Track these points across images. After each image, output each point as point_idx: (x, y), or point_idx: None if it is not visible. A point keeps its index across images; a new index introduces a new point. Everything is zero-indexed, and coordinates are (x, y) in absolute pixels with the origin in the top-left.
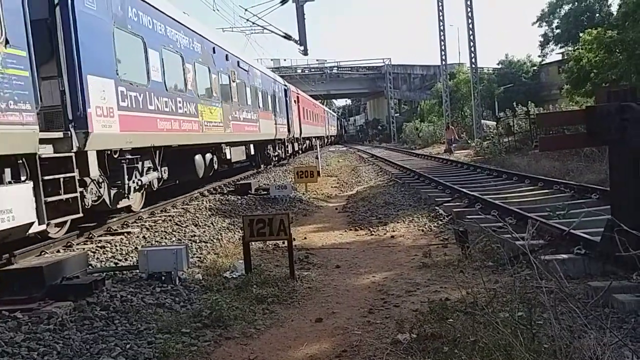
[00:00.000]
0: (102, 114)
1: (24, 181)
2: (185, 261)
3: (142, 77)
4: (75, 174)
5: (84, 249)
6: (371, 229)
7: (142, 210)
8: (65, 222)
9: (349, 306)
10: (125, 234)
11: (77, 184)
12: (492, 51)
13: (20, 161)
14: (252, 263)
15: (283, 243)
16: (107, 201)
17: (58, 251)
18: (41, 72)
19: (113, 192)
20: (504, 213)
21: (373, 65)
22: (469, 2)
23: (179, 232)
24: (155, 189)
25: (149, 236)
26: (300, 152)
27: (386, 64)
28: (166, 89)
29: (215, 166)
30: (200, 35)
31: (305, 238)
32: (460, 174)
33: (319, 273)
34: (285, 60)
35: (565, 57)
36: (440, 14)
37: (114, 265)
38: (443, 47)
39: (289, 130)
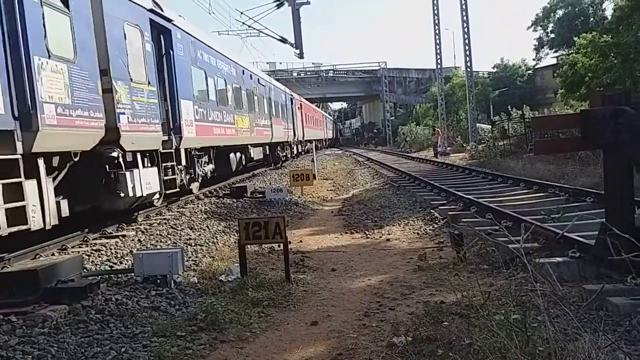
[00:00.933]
0: (187, 124)
1: (152, 166)
2: (180, 264)
3: (205, 97)
4: (174, 163)
5: (79, 252)
6: (367, 232)
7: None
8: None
9: (345, 309)
10: (121, 237)
11: (175, 170)
12: (487, 55)
13: (148, 155)
14: (247, 266)
15: (279, 246)
16: (185, 183)
17: (53, 254)
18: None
19: (187, 177)
20: (499, 216)
21: (369, 68)
22: (464, 7)
23: (174, 235)
24: (207, 178)
25: (144, 239)
26: (302, 152)
27: (382, 67)
28: (217, 105)
29: (243, 162)
30: (234, 62)
31: (301, 241)
32: (456, 177)
33: (315, 276)
34: (281, 63)
35: (560, 61)
36: (436, 17)
37: (109, 268)
38: (438, 51)
39: (294, 134)
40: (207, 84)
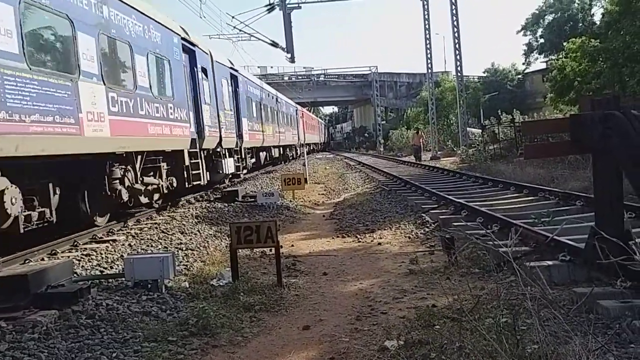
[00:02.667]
0: (244, 133)
1: (230, 157)
2: (171, 269)
3: (251, 114)
4: (239, 156)
5: (68, 256)
6: (358, 236)
7: (137, 213)
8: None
9: (337, 313)
10: (111, 242)
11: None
12: (478, 60)
13: (229, 151)
14: (239, 271)
15: (270, 250)
16: (240, 168)
17: (42, 259)
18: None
19: (242, 165)
20: (490, 220)
21: (360, 73)
22: (454, 12)
23: (165, 239)
24: (249, 168)
25: (135, 244)
26: (304, 153)
27: (373, 71)
28: (256, 119)
29: (267, 159)
30: (263, 88)
31: (292, 245)
32: (446, 181)
33: (306, 280)
34: (272, 67)
35: (550, 66)
36: (427, 22)
37: (99, 273)
38: (429, 55)
39: (298, 139)
40: (252, 106)
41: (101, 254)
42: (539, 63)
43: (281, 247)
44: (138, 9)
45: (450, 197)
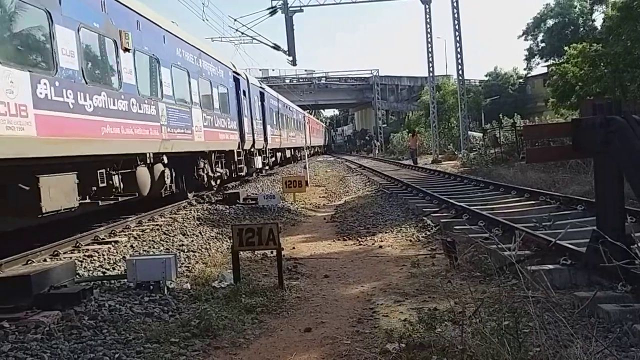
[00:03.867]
0: (268, 137)
1: (259, 156)
2: (173, 270)
3: (274, 122)
4: (265, 155)
5: (71, 257)
6: (359, 239)
7: (133, 217)
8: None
9: (338, 316)
10: (113, 243)
11: (264, 159)
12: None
13: (259, 151)
14: (240, 273)
15: (271, 253)
16: (266, 164)
17: (45, 260)
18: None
19: (267, 162)
20: (491, 224)
21: (361, 76)
22: (456, 16)
23: (167, 241)
24: (271, 166)
25: (136, 245)
26: (310, 154)
27: (374, 75)
28: (277, 125)
29: (282, 158)
30: (280, 100)
31: (293, 248)
32: (448, 185)
33: (308, 283)
34: (273, 70)
35: (551, 71)
36: (428, 26)
37: (101, 274)
38: (431, 59)
39: (306, 141)
40: (273, 115)
41: (103, 255)
42: (540, 67)
43: (282, 249)
44: (214, 57)
45: (451, 200)
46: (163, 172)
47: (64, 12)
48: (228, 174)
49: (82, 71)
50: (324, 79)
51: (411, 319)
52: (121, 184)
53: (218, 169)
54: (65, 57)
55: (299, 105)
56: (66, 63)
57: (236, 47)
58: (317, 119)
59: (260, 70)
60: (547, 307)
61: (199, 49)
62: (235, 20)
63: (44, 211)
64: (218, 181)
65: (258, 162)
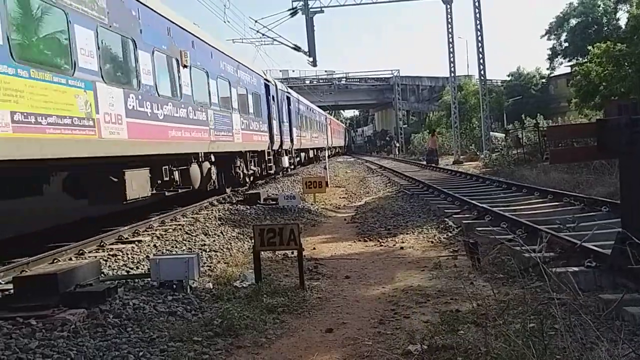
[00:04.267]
0: (294, 138)
1: (286, 156)
2: (196, 270)
3: (299, 124)
4: (291, 155)
5: (95, 256)
6: (380, 240)
7: (154, 217)
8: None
9: (359, 317)
10: (137, 243)
11: (291, 159)
12: (501, 64)
13: (284, 152)
14: (262, 273)
15: (292, 253)
16: (292, 164)
17: (70, 259)
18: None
19: (293, 162)
20: (514, 225)
21: (381, 76)
22: (478, 15)
23: (189, 241)
24: (295, 165)
25: (159, 245)
26: (331, 155)
27: (394, 75)
28: (302, 127)
29: (306, 158)
30: (304, 102)
31: (314, 248)
32: (469, 186)
33: (329, 283)
34: (294, 71)
35: (574, 70)
36: (449, 26)
37: (126, 273)
38: (452, 59)
39: (327, 142)
40: (298, 118)
41: (127, 254)
42: (563, 67)
43: (303, 249)
44: (248, 67)
45: (473, 201)
46: (210, 169)
47: (144, 39)
48: (259, 172)
49: (156, 86)
50: (344, 79)
51: (433, 320)
52: (180, 178)
53: (251, 167)
54: (145, 75)
55: (319, 106)
56: (145, 80)
57: (257, 48)
58: (337, 119)
59: (280, 71)
60: (573, 309)
61: (237, 61)
62: (256, 21)
63: (127, 198)
64: (251, 178)
65: (285, 161)
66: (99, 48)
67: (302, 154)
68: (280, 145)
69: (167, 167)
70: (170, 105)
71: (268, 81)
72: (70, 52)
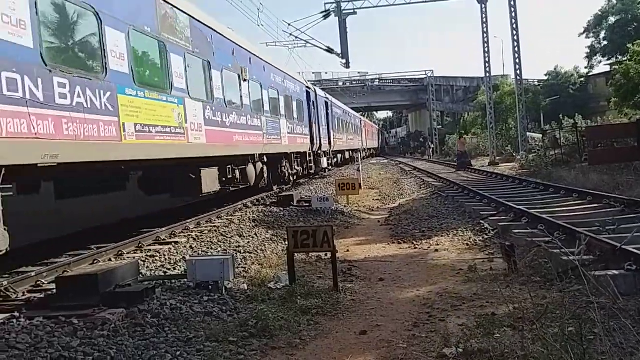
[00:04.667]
0: (332, 141)
1: (325, 157)
2: (231, 271)
3: (337, 127)
4: (330, 156)
5: (134, 257)
6: (414, 243)
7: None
8: (326, 169)
9: (394, 319)
10: (173, 244)
11: (331, 158)
12: (538, 63)
13: (325, 152)
14: (295, 274)
15: (326, 255)
16: (330, 164)
17: (110, 260)
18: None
19: (331, 162)
20: (551, 228)
21: (415, 77)
22: (513, 14)
23: (224, 242)
24: (333, 165)
25: (195, 246)
26: (366, 156)
27: (428, 76)
28: (339, 130)
29: (342, 160)
30: (340, 106)
31: (347, 250)
32: (505, 187)
33: (363, 286)
34: (327, 73)
35: (613, 69)
36: (484, 25)
37: (163, 274)
38: (487, 59)
39: (362, 144)
40: (335, 121)
41: (164, 255)
42: (602, 66)
43: (337, 252)
44: (292, 77)
45: (509, 203)
46: (262, 168)
47: (216, 60)
48: (301, 171)
49: (224, 99)
50: (377, 80)
51: (469, 323)
52: (240, 176)
53: (295, 167)
54: (216, 90)
55: (352, 108)
56: (217, 94)
57: (290, 51)
58: (371, 121)
59: (313, 73)
60: (612, 313)
61: (283, 72)
62: (289, 24)
63: (202, 192)
64: (294, 177)
65: (324, 162)
66: (186, 70)
67: (339, 155)
68: (320, 147)
69: (230, 166)
70: (235, 114)
71: (309, 88)
72: (168, 75)
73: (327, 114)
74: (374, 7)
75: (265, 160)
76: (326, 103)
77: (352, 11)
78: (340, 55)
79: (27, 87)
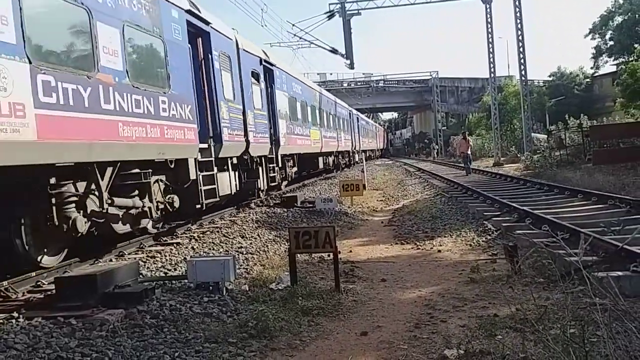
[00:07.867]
0: (360, 143)
1: (357, 154)
2: (232, 272)
3: (363, 135)
4: (350, 156)
5: (135, 258)
6: (417, 243)
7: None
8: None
9: (395, 320)
10: (175, 245)
11: (360, 155)
12: (542, 64)
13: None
14: (297, 275)
15: (328, 256)
16: (361, 158)
17: (110, 260)
18: (354, 135)
19: (362, 156)
20: (556, 228)
21: (420, 78)
22: (518, 15)
23: (226, 243)
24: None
25: (197, 247)
26: (377, 156)
27: (433, 77)
28: (361, 135)
29: (364, 157)
30: (360, 116)
31: (350, 251)
32: (509, 188)
33: (365, 286)
34: (331, 74)
35: (620, 69)
36: (489, 26)
37: (163, 274)
38: (492, 60)
39: (376, 146)
40: (362, 129)
41: (165, 256)
42: (608, 66)
43: (339, 252)
44: (342, 104)
45: (513, 204)
46: (334, 160)
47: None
48: (347, 162)
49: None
50: (382, 81)
51: (470, 325)
52: (334, 161)
53: (344, 159)
54: (327, 121)
55: (357, 109)
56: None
57: (294, 52)
58: (376, 122)
59: (318, 74)
60: (616, 315)
61: (342, 105)
62: (293, 25)
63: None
64: (342, 166)
65: (356, 157)
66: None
67: (362, 153)
68: (353, 147)
69: (331, 157)
70: (325, 131)
71: (351, 110)
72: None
73: (358, 125)
74: (378, 7)
75: (336, 154)
76: (357, 118)
77: (357, 12)
78: (345, 55)
79: None
